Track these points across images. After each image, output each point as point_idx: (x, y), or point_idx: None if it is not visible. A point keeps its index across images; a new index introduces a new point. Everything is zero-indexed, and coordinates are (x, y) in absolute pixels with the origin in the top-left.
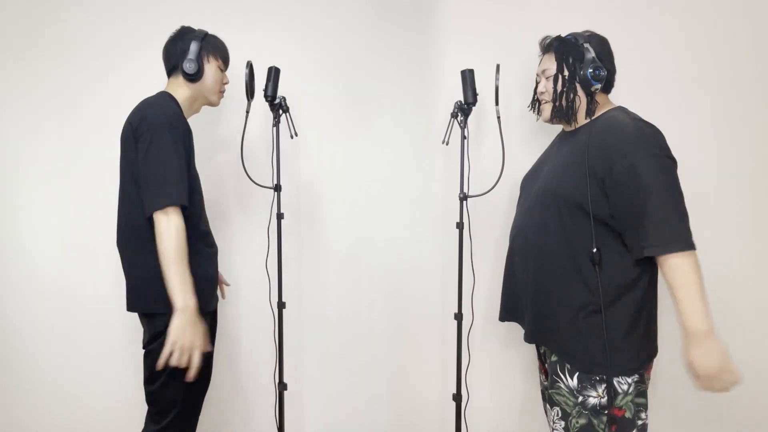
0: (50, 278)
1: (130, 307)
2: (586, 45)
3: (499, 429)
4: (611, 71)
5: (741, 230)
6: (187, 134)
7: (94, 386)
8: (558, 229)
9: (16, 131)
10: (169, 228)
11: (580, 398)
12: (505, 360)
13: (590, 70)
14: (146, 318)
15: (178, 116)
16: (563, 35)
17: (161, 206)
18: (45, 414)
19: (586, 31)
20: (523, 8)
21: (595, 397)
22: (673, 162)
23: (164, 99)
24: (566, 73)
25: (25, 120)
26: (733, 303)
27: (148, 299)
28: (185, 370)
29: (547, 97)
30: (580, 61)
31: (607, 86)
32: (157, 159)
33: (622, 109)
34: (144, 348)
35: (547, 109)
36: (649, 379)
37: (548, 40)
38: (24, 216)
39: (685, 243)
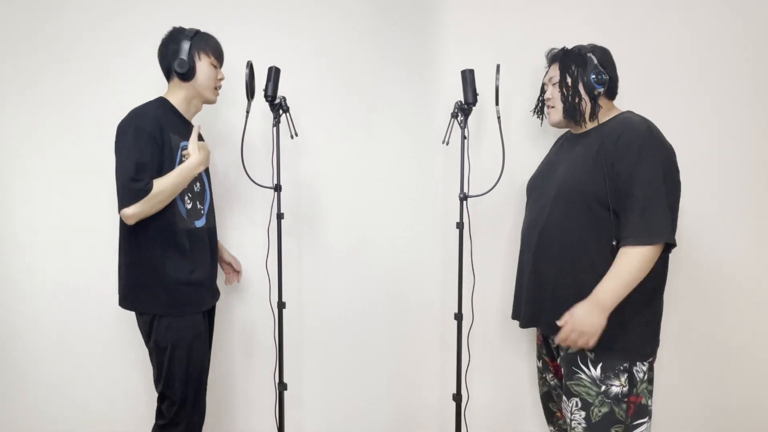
0: (49, 277)
1: (128, 306)
2: (589, 54)
3: (499, 429)
4: (614, 79)
5: (742, 230)
6: (157, 133)
7: (93, 386)
8: (573, 224)
9: (14, 129)
10: (135, 216)
11: (603, 387)
12: (505, 360)
13: (593, 75)
14: (140, 316)
15: (147, 118)
16: (568, 47)
17: (120, 209)
18: (44, 414)
19: (590, 44)
20: (523, 8)
21: (618, 386)
22: (677, 169)
23: (147, 104)
24: (569, 79)
25: (24, 118)
26: (734, 304)
27: (139, 300)
28: (183, 365)
29: (554, 102)
30: (584, 68)
31: (611, 93)
32: (117, 162)
33: (633, 113)
34: (147, 345)
35: (554, 113)
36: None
37: (554, 52)
38: (23, 215)
39: (668, 237)
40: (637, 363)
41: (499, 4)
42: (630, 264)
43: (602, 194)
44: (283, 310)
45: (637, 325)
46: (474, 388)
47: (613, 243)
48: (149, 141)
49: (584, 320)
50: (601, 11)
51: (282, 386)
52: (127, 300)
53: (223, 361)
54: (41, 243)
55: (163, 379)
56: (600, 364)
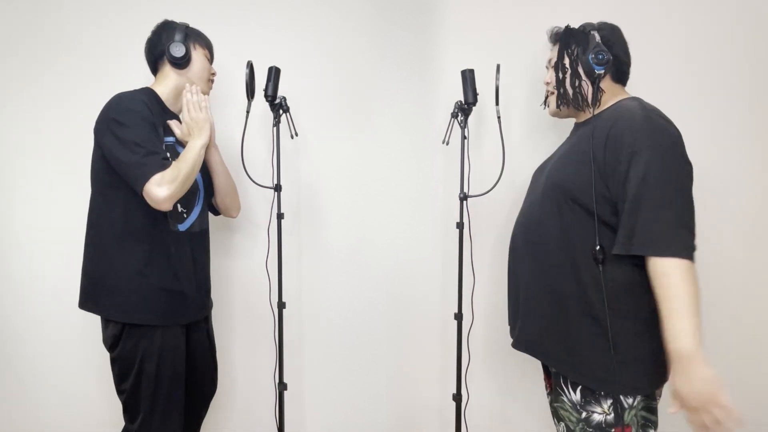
0: (49, 277)
1: (92, 309)
2: (593, 32)
3: (499, 429)
4: (621, 59)
5: (742, 232)
6: (149, 117)
7: (93, 386)
8: (555, 224)
9: (14, 129)
10: (171, 197)
11: (584, 414)
12: (506, 360)
13: (592, 55)
14: (108, 322)
15: (136, 102)
16: (571, 25)
17: (141, 187)
18: (44, 414)
19: (600, 22)
20: (524, 8)
21: (601, 413)
22: (685, 162)
23: (133, 91)
24: (567, 60)
25: (24, 118)
26: (736, 307)
27: (110, 304)
28: (152, 372)
29: (551, 87)
30: (584, 48)
31: (620, 76)
32: (118, 143)
33: (635, 99)
34: (111, 354)
35: (552, 101)
36: (659, 395)
37: (556, 30)
38: (23, 215)
39: (680, 248)
40: (624, 394)
41: (499, 4)
42: (674, 285)
43: (587, 192)
44: (283, 310)
45: (627, 359)
46: (474, 388)
47: (597, 248)
48: (148, 125)
49: (683, 390)
50: (602, 11)
51: (282, 386)
52: (93, 303)
53: (223, 361)
54: (41, 243)
55: (126, 393)
56: (579, 387)
